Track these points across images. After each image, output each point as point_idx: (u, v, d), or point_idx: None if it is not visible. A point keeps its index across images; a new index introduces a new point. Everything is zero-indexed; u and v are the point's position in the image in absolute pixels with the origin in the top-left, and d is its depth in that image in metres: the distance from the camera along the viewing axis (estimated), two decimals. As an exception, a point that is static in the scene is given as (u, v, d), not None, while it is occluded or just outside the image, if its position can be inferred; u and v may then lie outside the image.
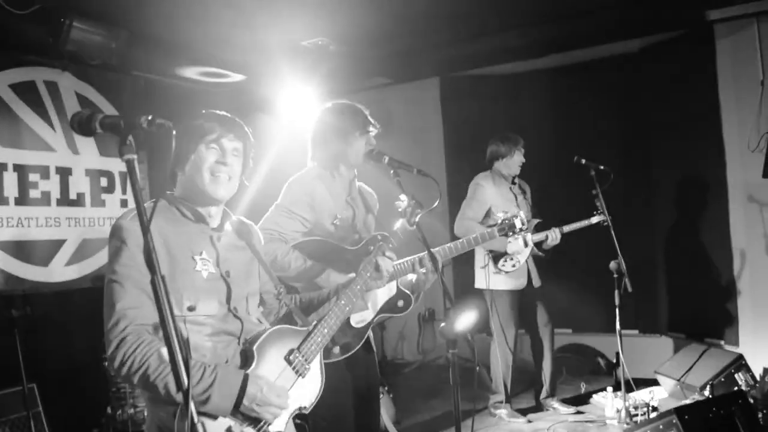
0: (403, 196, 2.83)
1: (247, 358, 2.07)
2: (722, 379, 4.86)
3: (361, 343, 2.94)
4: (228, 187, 2.09)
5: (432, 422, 5.10)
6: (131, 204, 5.36)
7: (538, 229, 5.02)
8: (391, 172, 2.88)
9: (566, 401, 5.35)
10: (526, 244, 4.96)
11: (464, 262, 5.48)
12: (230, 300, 2.10)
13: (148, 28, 4.90)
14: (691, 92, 5.85)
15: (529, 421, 5.00)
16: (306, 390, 2.23)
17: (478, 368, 2.53)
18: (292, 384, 2.16)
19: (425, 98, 7.20)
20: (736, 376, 4.89)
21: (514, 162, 5.15)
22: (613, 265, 4.68)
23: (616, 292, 4.67)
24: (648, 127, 6.33)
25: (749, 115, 5.33)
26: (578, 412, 5.14)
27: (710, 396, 4.68)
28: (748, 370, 5.00)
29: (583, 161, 4.94)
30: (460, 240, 3.25)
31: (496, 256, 5.00)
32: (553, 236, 4.93)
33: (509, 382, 5.10)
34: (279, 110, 5.80)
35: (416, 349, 6.88)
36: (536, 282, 5.15)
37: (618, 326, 4.67)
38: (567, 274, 5.85)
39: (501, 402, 5.12)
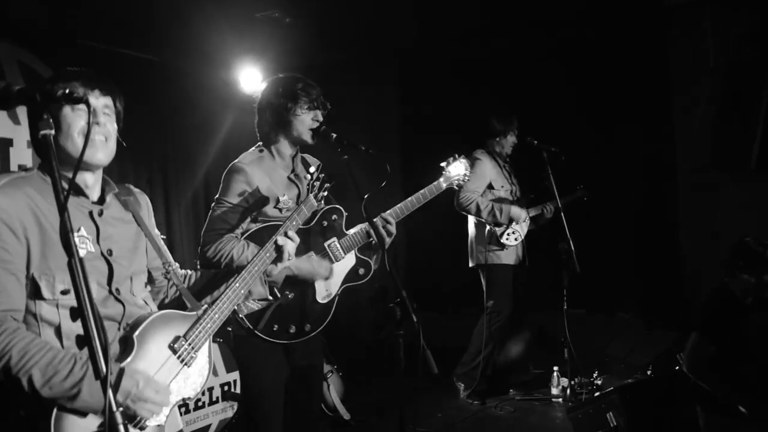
0: (311, 168, 2.61)
1: (126, 346, 1.91)
2: (664, 360, 4.98)
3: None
4: (106, 149, 1.91)
5: (381, 400, 5.10)
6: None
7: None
8: (339, 150, 2.72)
9: (527, 384, 5.40)
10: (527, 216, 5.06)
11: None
12: (112, 281, 1.94)
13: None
14: (646, 77, 5.91)
15: (484, 403, 5.03)
16: (191, 380, 2.10)
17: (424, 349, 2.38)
18: (175, 374, 2.02)
19: (382, 75, 7.12)
20: (678, 356, 5.02)
21: (507, 142, 5.18)
22: (561, 246, 4.74)
23: (564, 272, 4.74)
24: (601, 110, 6.37)
25: (699, 101, 5.41)
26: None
27: (652, 375, 4.80)
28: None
29: (535, 142, 4.96)
30: (410, 198, 3.14)
31: (500, 230, 5.00)
32: (549, 210, 5.04)
33: (486, 361, 5.08)
34: (232, 87, 5.66)
35: (367, 328, 6.87)
36: (526, 259, 5.20)
37: (565, 306, 4.74)
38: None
39: (465, 374, 5.16)
